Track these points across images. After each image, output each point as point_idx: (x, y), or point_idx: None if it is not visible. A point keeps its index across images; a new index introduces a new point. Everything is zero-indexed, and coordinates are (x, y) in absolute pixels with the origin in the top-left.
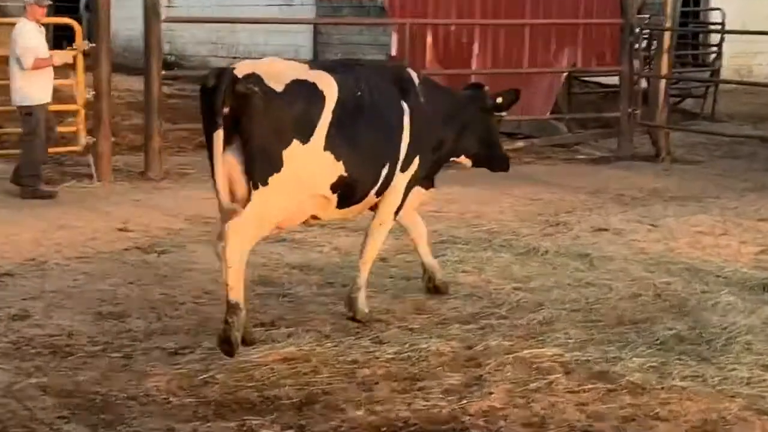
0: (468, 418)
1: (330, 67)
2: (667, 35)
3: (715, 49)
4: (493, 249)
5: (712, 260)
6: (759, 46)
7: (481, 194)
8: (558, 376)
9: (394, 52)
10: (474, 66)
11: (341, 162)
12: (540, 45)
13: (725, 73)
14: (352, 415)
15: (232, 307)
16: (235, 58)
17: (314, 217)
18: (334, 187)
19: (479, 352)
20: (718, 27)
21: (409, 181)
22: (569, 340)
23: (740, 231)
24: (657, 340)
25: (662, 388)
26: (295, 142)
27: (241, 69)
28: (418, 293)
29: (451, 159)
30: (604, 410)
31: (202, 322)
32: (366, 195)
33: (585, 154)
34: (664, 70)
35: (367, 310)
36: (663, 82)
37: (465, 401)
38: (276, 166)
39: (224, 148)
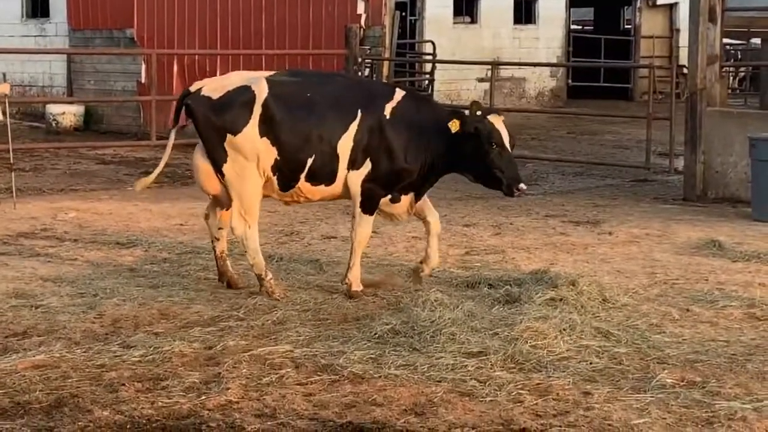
0: (207, 412)
1: (281, 75)
2: (386, 65)
3: (428, 76)
4: (233, 257)
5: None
6: (465, 73)
7: None
8: (288, 370)
9: (143, 80)
10: None
11: (275, 147)
12: None
13: (437, 97)
14: (98, 416)
15: (260, 278)
16: None
17: (290, 201)
18: (273, 169)
19: (218, 351)
20: (430, 57)
21: (368, 180)
22: (299, 338)
23: (449, 236)
24: (375, 334)
25: (379, 376)
26: (229, 135)
27: (194, 86)
28: (165, 300)
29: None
30: (328, 399)
31: None
32: (296, 179)
33: None
34: None
35: (359, 288)
36: None
37: (204, 397)
38: (222, 157)
39: (199, 152)
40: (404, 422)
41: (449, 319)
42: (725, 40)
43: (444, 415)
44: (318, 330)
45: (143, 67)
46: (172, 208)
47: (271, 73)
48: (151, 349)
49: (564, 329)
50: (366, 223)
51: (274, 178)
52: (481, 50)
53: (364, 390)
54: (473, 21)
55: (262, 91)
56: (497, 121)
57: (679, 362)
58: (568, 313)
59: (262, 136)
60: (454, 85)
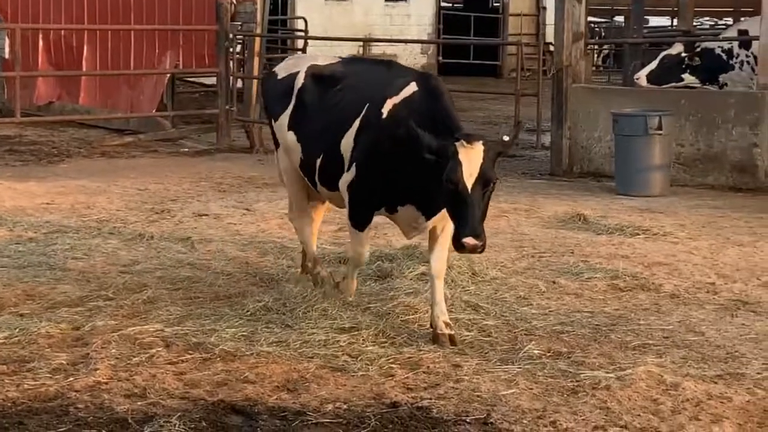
0: (74, 394)
1: (333, 63)
2: (257, 41)
3: (300, 52)
4: (102, 236)
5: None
6: (337, 50)
7: (91, 186)
8: (159, 349)
9: (7, 55)
10: (84, 68)
11: (300, 144)
12: (145, 48)
13: None
14: None
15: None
16: None
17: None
18: (301, 167)
19: (86, 332)
20: (302, 33)
21: (353, 187)
22: (170, 316)
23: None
24: (247, 311)
25: (251, 354)
26: (272, 120)
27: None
28: (31, 280)
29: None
30: (199, 377)
31: None
32: (313, 182)
33: (188, 147)
34: (256, 71)
35: (347, 294)
36: (255, 82)
37: (72, 378)
38: (275, 141)
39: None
40: (276, 399)
41: (321, 295)
42: (592, 19)
43: (316, 391)
44: (189, 308)
45: (7, 42)
46: (38, 187)
47: (333, 59)
48: (17, 330)
49: None
50: (356, 234)
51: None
52: (353, 27)
53: (236, 368)
54: None
55: (299, 80)
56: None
57: (546, 333)
58: None
59: (289, 129)
60: None
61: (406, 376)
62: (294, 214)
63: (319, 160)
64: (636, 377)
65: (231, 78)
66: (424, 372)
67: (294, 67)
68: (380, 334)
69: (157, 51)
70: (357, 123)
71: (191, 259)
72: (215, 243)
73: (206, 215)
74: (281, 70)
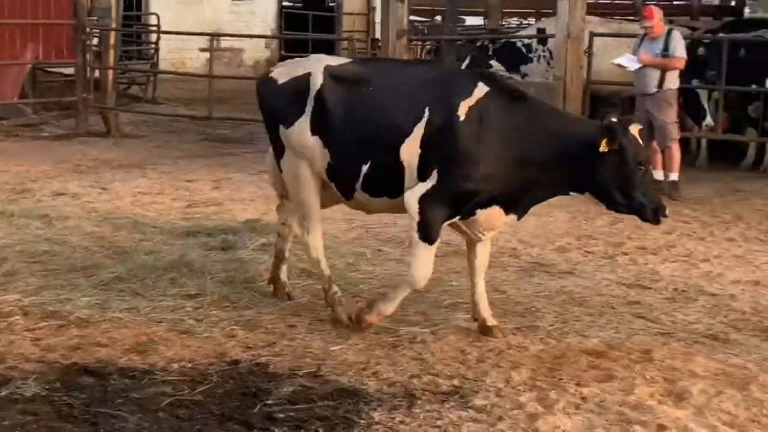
0: None
1: (353, 62)
2: (112, 34)
3: (153, 46)
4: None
5: (149, 215)
6: (189, 44)
7: None
8: (17, 318)
9: None
10: None
11: (327, 149)
12: (7, 40)
13: (163, 65)
14: None
15: (324, 290)
16: None
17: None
18: (328, 173)
19: None
20: (155, 28)
21: (431, 196)
22: (28, 287)
23: (173, 190)
24: (101, 282)
25: (104, 320)
26: (282, 127)
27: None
28: None
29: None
30: (55, 342)
31: None
32: (352, 188)
33: (48, 132)
34: (111, 62)
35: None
36: (111, 72)
37: None
38: (279, 149)
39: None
40: (127, 360)
41: (170, 263)
42: (415, 18)
43: (163, 352)
44: (47, 280)
45: None
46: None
47: (342, 60)
48: None
49: None
50: (423, 249)
51: (331, 184)
52: (203, 23)
53: (89, 333)
54: None
55: (316, 82)
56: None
57: (371, 296)
58: None
59: (313, 134)
60: (179, 54)
61: (246, 336)
62: (308, 227)
63: (365, 167)
64: (448, 331)
65: (88, 68)
66: (262, 332)
67: (295, 70)
68: (223, 300)
69: (18, 43)
70: (421, 130)
71: (49, 234)
72: (72, 219)
73: (64, 194)
74: (280, 75)
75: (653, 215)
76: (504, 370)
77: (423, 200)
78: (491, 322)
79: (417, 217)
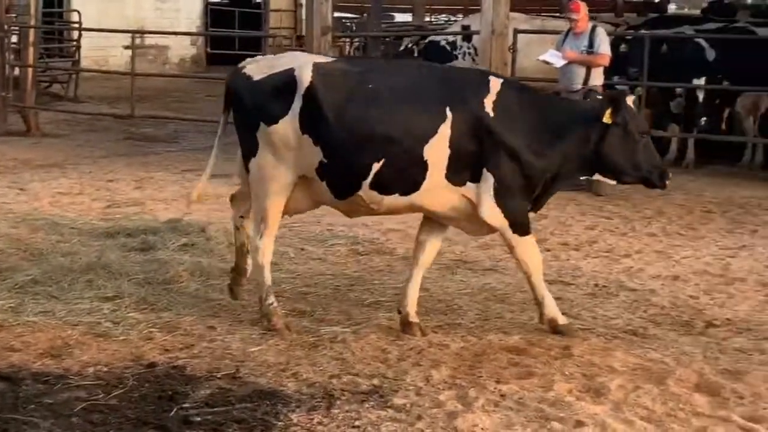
0: None
1: (339, 60)
2: (32, 32)
3: (75, 43)
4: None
5: (68, 215)
6: (112, 41)
7: None
8: None
9: None
10: None
11: (319, 147)
12: None
13: (86, 63)
14: None
15: (260, 299)
16: None
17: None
18: (319, 172)
19: None
20: (77, 25)
21: (501, 195)
22: None
23: (93, 190)
24: (16, 285)
25: (18, 323)
26: (262, 125)
27: (242, 63)
28: None
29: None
30: None
31: None
32: (355, 187)
33: None
34: (31, 60)
35: (565, 321)
36: (30, 71)
37: None
38: (251, 149)
39: None
40: (41, 365)
41: (87, 265)
42: (344, 15)
43: (79, 356)
44: None
45: None
46: None
47: (327, 58)
48: None
49: (193, 272)
50: (530, 245)
51: (322, 183)
52: (126, 19)
53: (2, 337)
54: None
55: (304, 81)
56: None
57: (293, 295)
58: (198, 257)
59: (304, 133)
60: (102, 52)
61: (164, 338)
62: (265, 231)
63: (378, 165)
64: (369, 330)
65: (7, 66)
66: (181, 334)
67: (271, 67)
68: (141, 302)
69: None
70: (447, 129)
71: None
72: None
73: None
74: (255, 72)
75: (660, 179)
76: (424, 369)
77: (499, 206)
78: (413, 318)
79: (506, 222)
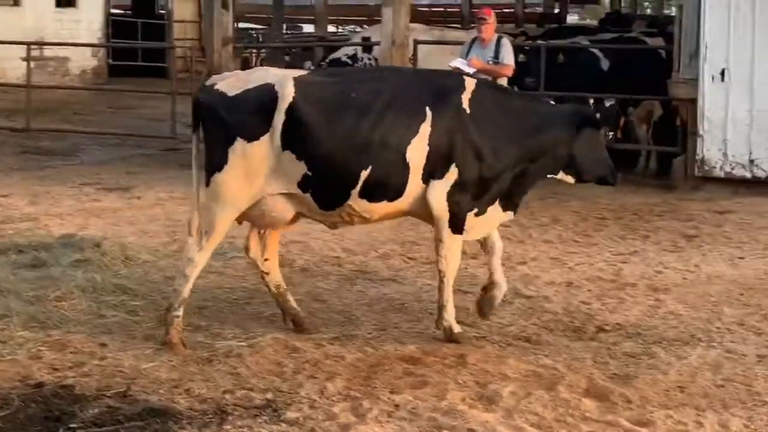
0: None
1: (315, 73)
2: None
3: None
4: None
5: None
6: (10, 53)
7: None
8: None
9: None
10: None
11: (303, 162)
12: None
13: None
14: None
15: (168, 308)
16: None
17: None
18: (302, 186)
19: None
20: None
21: (456, 193)
22: None
23: None
24: None
25: None
26: (239, 140)
27: (211, 80)
28: None
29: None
30: None
31: None
32: (343, 197)
33: None
34: None
35: (459, 330)
36: None
37: None
38: (221, 163)
39: None
40: None
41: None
42: (250, 26)
43: None
44: None
45: None
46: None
47: (302, 72)
48: None
49: (86, 288)
50: (453, 249)
51: (306, 196)
52: (24, 31)
53: None
54: (16, 4)
55: (286, 95)
56: None
57: (189, 310)
58: (91, 273)
59: (285, 149)
60: None
61: (53, 357)
62: (206, 246)
63: (365, 173)
64: (265, 344)
65: None
66: (71, 352)
67: (245, 83)
68: (31, 319)
69: None
70: (428, 127)
71: None
72: None
73: None
74: (228, 88)
75: (613, 178)
76: (319, 381)
77: (450, 195)
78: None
79: (447, 213)
